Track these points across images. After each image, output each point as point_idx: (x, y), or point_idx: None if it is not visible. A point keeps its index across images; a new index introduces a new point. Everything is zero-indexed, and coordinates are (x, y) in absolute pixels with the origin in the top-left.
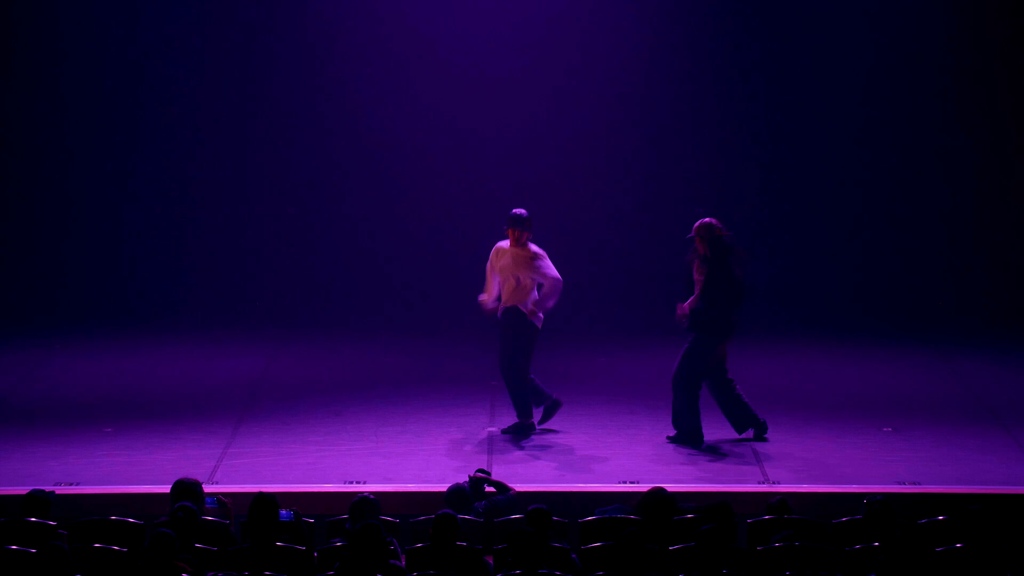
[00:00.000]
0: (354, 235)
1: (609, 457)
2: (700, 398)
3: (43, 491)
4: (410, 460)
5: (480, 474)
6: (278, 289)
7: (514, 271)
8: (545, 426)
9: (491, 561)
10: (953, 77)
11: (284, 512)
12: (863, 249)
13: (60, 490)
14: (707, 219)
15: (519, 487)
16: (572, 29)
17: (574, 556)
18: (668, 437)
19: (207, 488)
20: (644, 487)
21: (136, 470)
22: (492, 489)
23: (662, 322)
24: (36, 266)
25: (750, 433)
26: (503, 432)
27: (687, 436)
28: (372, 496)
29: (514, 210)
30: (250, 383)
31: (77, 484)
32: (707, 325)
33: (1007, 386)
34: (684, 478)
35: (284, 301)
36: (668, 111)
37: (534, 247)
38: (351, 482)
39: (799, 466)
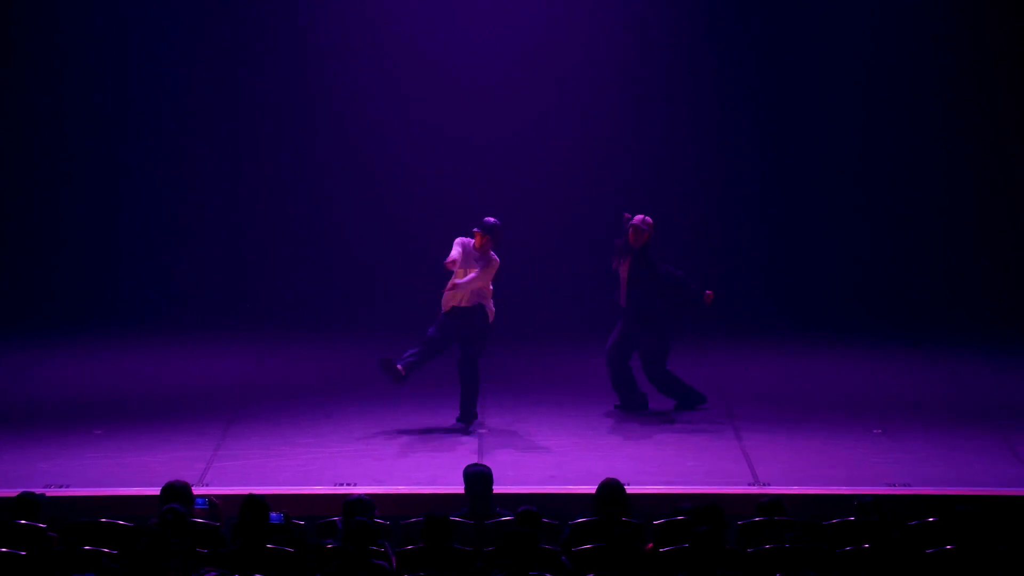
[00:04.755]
0: (345, 237)
1: (600, 459)
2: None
3: (34, 493)
4: (401, 462)
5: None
6: (269, 291)
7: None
8: (535, 427)
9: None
10: (953, 77)
11: (274, 515)
12: (859, 249)
13: (51, 492)
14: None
15: (509, 488)
16: (565, 33)
17: (564, 558)
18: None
19: (197, 490)
20: (635, 489)
21: (126, 472)
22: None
23: None
24: (27, 268)
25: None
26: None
27: (684, 400)
28: (366, 497)
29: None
30: (241, 385)
31: (68, 486)
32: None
33: (999, 387)
34: (674, 479)
35: (275, 303)
36: (665, 112)
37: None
38: (342, 484)
39: (789, 467)
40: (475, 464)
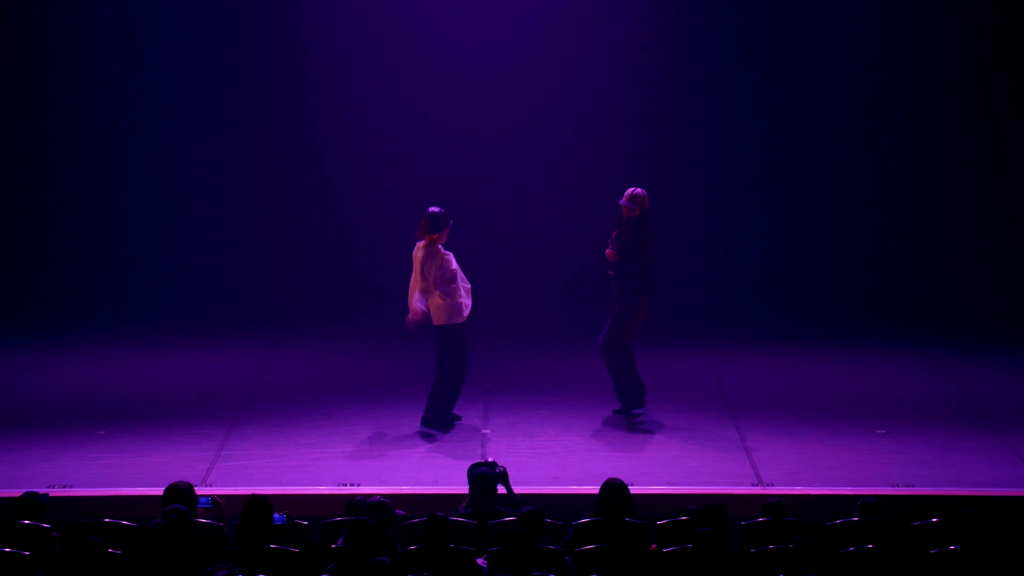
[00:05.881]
0: (346, 238)
1: (604, 459)
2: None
3: (37, 494)
4: (403, 462)
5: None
6: (271, 292)
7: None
8: (539, 428)
9: (484, 564)
10: (953, 77)
11: (277, 516)
12: (858, 250)
13: (54, 492)
14: (641, 190)
15: (513, 489)
16: (565, 30)
17: (567, 559)
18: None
19: (201, 490)
20: (639, 489)
21: (129, 472)
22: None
23: (657, 324)
24: (28, 268)
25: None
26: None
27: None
28: (380, 498)
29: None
30: (243, 385)
31: (71, 486)
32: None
33: (1000, 388)
34: (677, 480)
35: (276, 303)
36: (665, 111)
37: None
38: (345, 484)
39: (792, 468)
40: (480, 464)
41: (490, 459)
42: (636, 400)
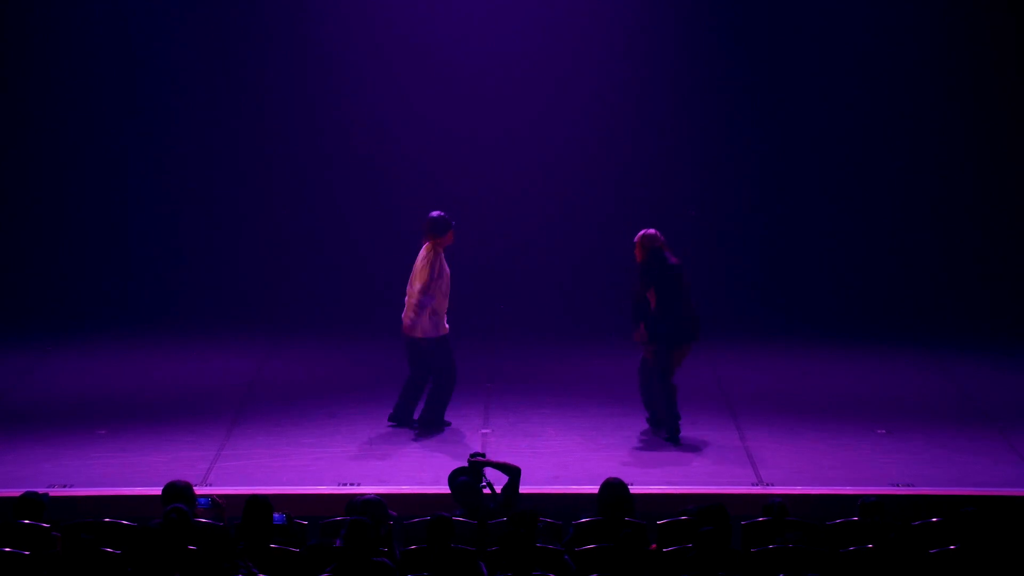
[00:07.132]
0: (348, 237)
1: (604, 459)
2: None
3: (37, 493)
4: (404, 461)
5: (478, 458)
6: (272, 291)
7: None
8: (539, 428)
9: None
10: (953, 77)
11: (277, 515)
12: (858, 250)
13: (54, 492)
14: (650, 230)
15: None
16: (567, 30)
17: (567, 558)
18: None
19: (201, 490)
20: (639, 489)
21: (130, 472)
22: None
23: None
24: (29, 268)
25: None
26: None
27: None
28: (375, 496)
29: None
30: (244, 385)
31: (71, 486)
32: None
33: (1000, 388)
34: (678, 480)
35: (278, 303)
36: (664, 112)
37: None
38: (345, 484)
39: (793, 468)
40: (460, 471)
41: (475, 451)
42: (661, 421)
